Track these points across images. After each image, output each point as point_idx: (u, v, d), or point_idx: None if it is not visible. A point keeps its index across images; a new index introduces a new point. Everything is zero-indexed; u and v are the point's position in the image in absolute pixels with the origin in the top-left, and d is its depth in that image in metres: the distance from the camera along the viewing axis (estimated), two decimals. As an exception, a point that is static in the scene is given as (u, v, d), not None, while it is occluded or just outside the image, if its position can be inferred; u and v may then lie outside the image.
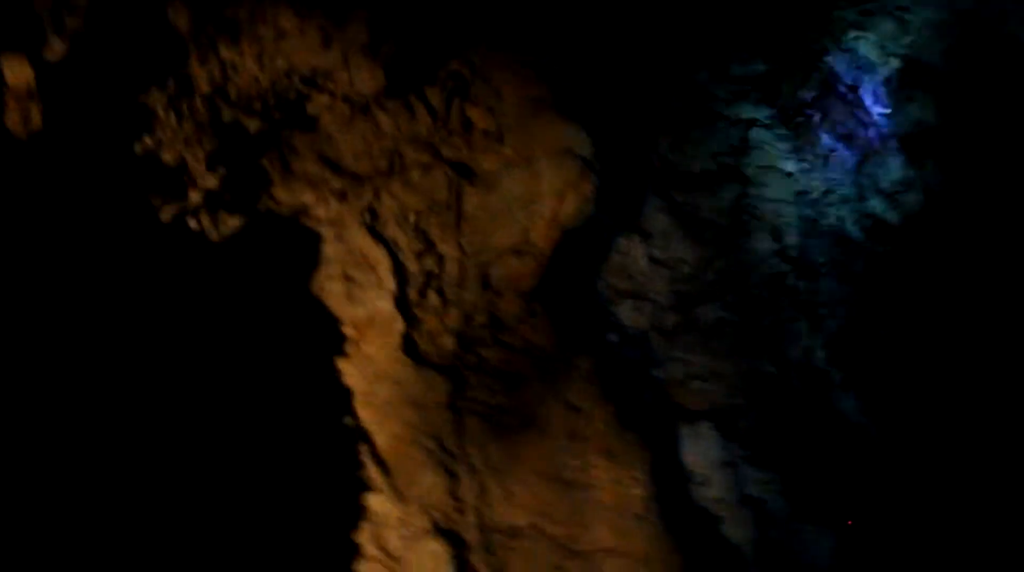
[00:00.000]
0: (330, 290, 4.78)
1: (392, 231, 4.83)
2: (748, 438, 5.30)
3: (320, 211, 4.79)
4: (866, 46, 7.03)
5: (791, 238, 6.00)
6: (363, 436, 4.69)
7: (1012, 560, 5.92)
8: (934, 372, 6.34)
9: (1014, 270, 7.26)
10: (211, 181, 4.54)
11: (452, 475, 4.71)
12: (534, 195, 4.89)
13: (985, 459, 6.24)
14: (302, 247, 4.77)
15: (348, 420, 4.69)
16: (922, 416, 6.12)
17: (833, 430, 5.56)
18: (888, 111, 7.35)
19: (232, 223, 4.61)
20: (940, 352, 6.43)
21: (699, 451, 5.17)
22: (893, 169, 7.16)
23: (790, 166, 6.27)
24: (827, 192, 6.60)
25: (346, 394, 4.71)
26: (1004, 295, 7.14)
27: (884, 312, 6.41)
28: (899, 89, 7.48)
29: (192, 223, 4.51)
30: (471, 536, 4.76)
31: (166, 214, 4.37)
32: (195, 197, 4.49)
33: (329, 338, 4.75)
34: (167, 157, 4.41)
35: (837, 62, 6.90)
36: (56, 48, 4.05)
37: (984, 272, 7.28)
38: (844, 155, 6.81)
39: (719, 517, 5.23)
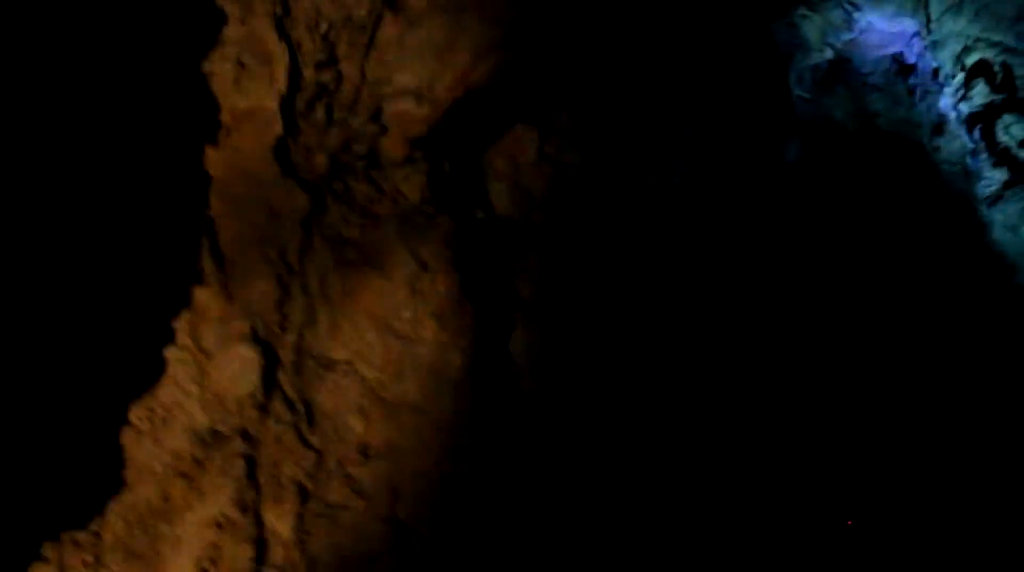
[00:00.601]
0: (220, 72, 4.58)
1: (299, 34, 4.64)
2: (578, 344, 5.49)
3: (231, -12, 4.55)
4: (809, 27, 7.17)
5: (675, 178, 6.15)
6: (208, 225, 4.58)
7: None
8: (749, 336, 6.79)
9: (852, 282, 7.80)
10: (125, -87, 4.23)
11: (285, 290, 4.69)
12: (453, 47, 4.79)
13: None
14: (203, 17, 4.53)
15: (197, 205, 4.57)
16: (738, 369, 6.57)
17: (655, 356, 5.84)
18: (807, 96, 7.57)
19: (135, -33, 4.33)
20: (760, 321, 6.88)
21: (526, 341, 5.33)
22: (790, 151, 7.43)
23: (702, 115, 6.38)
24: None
25: (204, 179, 4.57)
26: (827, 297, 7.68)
27: (735, 274, 6.74)
28: (823, 80, 7.72)
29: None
30: (286, 355, 4.77)
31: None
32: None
33: (204, 118, 4.58)
34: None
35: (779, 31, 7.01)
36: None
37: (835, 275, 7.76)
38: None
39: (527, 410, 5.44)
